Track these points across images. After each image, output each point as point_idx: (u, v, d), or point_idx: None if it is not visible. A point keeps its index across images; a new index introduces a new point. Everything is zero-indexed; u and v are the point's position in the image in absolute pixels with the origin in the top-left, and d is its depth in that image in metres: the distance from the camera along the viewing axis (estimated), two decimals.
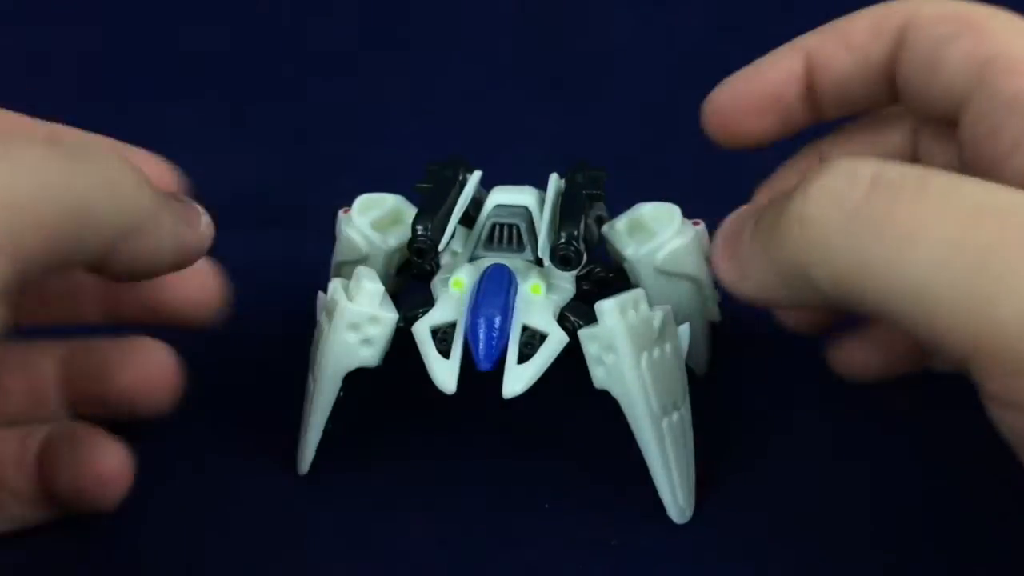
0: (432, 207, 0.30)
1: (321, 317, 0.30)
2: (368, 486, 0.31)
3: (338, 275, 0.33)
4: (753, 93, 0.30)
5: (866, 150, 0.30)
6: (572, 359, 0.29)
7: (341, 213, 0.34)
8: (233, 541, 0.29)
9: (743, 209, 0.26)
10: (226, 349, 0.37)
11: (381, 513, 0.30)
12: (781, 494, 0.31)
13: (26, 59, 0.51)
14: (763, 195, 0.32)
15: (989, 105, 0.26)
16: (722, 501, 0.31)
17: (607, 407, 0.34)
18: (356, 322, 0.29)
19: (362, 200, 0.33)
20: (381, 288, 0.29)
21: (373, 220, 0.33)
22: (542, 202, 0.31)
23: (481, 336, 0.28)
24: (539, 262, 0.31)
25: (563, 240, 0.29)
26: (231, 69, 0.52)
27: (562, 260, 0.29)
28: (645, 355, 0.28)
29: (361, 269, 0.30)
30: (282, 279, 0.34)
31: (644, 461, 0.29)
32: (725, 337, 0.35)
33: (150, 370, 0.30)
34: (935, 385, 0.32)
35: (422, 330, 0.29)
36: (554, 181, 0.32)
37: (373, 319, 0.29)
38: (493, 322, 0.28)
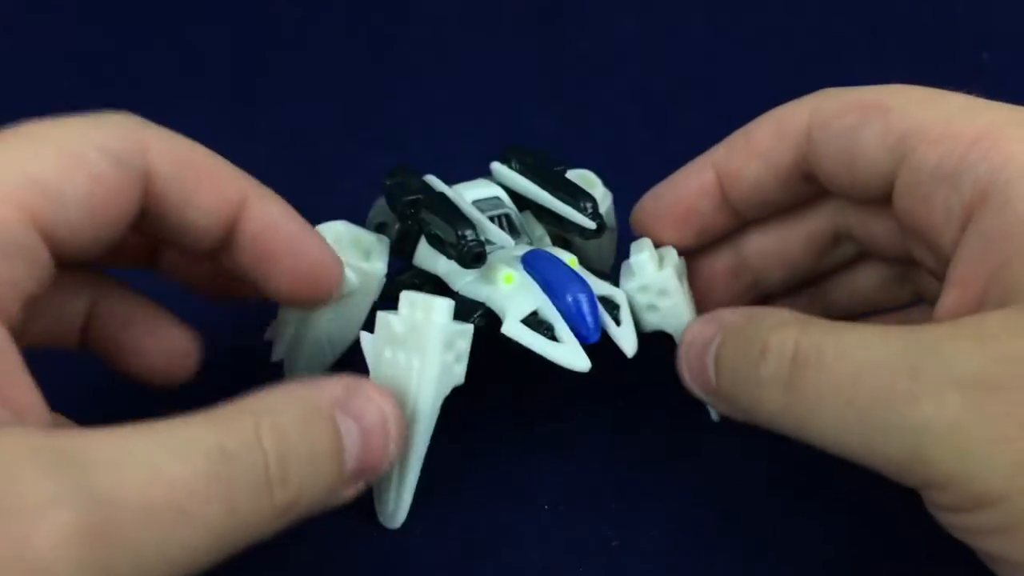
0: (456, 212, 0.30)
1: (388, 353, 0.28)
2: (368, 486, 0.31)
3: (305, 321, 0.31)
4: (671, 207, 0.32)
5: (790, 232, 0.32)
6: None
7: None
8: None
9: (698, 331, 0.28)
10: (226, 350, 0.37)
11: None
12: (782, 495, 0.31)
13: (26, 59, 0.51)
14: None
15: (915, 178, 0.27)
16: (721, 500, 0.31)
17: (607, 407, 0.35)
18: (450, 340, 0.28)
19: (328, 234, 0.31)
20: (451, 300, 0.28)
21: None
22: (504, 192, 0.32)
23: (586, 311, 0.29)
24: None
25: (591, 210, 0.31)
26: (231, 69, 0.52)
27: (599, 227, 0.31)
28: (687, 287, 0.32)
29: (409, 293, 0.28)
30: None
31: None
32: None
33: (170, 344, 0.30)
34: None
35: (519, 327, 0.29)
36: (503, 169, 0.33)
37: (463, 332, 0.28)
38: (589, 297, 0.29)
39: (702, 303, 0.32)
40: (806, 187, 0.31)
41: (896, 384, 0.23)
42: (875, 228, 0.31)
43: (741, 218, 0.32)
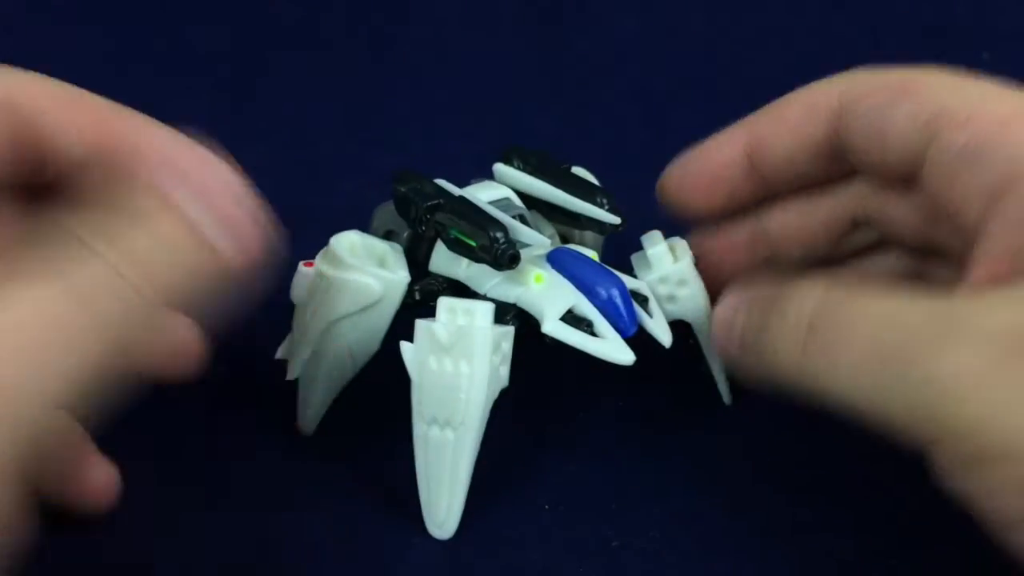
0: (485, 215, 0.30)
1: (434, 362, 0.28)
2: (368, 486, 0.31)
3: (327, 333, 0.31)
4: (700, 174, 0.33)
5: (813, 210, 0.33)
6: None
7: (303, 267, 0.32)
8: (233, 540, 0.29)
9: (730, 301, 0.29)
10: (226, 350, 0.37)
11: (381, 513, 0.30)
12: (782, 495, 0.31)
13: (26, 59, 0.51)
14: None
15: (941, 159, 0.28)
16: (722, 501, 0.31)
17: (608, 407, 0.35)
18: (496, 342, 0.28)
19: (343, 244, 0.31)
20: (491, 303, 0.28)
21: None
22: (512, 192, 0.33)
23: (621, 306, 0.29)
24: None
25: (608, 205, 0.31)
26: (231, 69, 0.52)
27: (623, 221, 0.31)
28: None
29: (447, 299, 0.28)
30: (282, 280, 0.33)
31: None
32: None
33: (176, 339, 0.29)
34: None
35: (560, 325, 0.29)
36: (509, 170, 0.33)
37: (506, 334, 0.28)
38: (622, 291, 0.29)
39: (715, 274, 0.33)
40: (833, 165, 0.31)
41: (921, 335, 0.23)
42: (896, 213, 0.31)
43: (767, 189, 0.33)
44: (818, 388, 0.26)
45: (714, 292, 0.31)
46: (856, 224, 0.33)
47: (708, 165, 0.32)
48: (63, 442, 0.24)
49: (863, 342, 0.24)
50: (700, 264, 0.33)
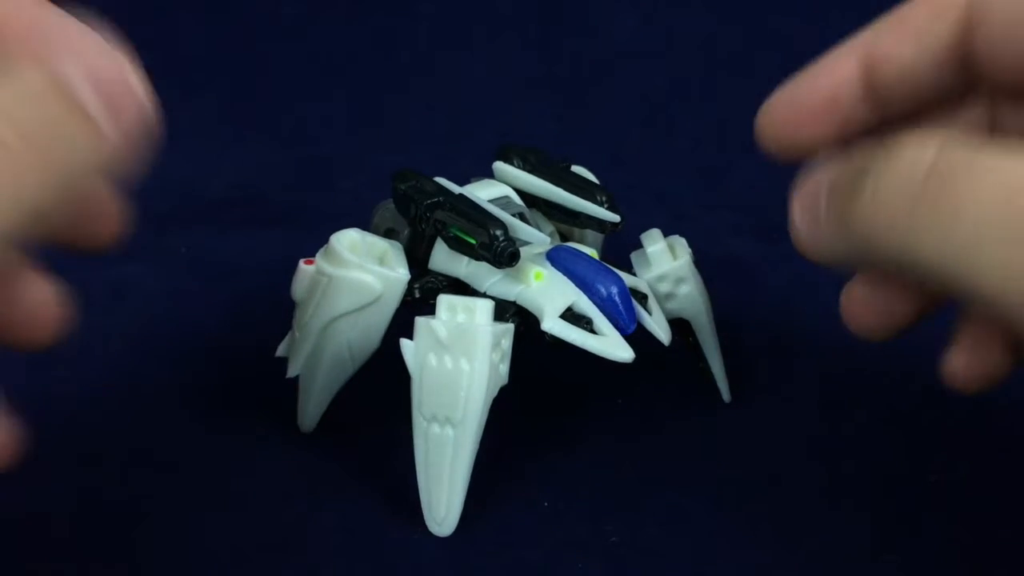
0: (485, 213, 0.30)
1: (434, 359, 0.28)
2: (368, 485, 0.31)
3: (327, 331, 0.31)
4: (810, 99, 0.29)
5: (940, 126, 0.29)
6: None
7: (304, 265, 0.32)
8: (233, 540, 0.29)
9: (818, 174, 0.26)
10: (226, 349, 0.37)
11: (381, 510, 0.30)
12: (781, 493, 0.31)
13: None
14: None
15: None
16: (721, 501, 0.31)
17: (607, 405, 0.35)
18: (496, 339, 0.28)
19: (344, 242, 0.31)
20: (490, 301, 0.28)
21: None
22: (512, 190, 0.33)
23: (620, 303, 0.29)
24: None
25: (607, 203, 0.31)
26: (233, 69, 0.52)
27: (622, 219, 0.31)
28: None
29: (447, 297, 0.28)
30: (282, 279, 0.34)
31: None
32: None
33: (33, 307, 0.26)
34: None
35: (559, 323, 0.29)
36: (509, 168, 0.33)
37: (506, 331, 0.28)
38: (622, 289, 0.29)
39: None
40: (962, 75, 0.28)
41: None
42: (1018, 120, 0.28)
43: (885, 112, 0.29)
44: (922, 257, 0.22)
45: None
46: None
47: (818, 87, 0.29)
48: None
49: (999, 203, 0.21)
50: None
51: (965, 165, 0.21)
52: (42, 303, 0.27)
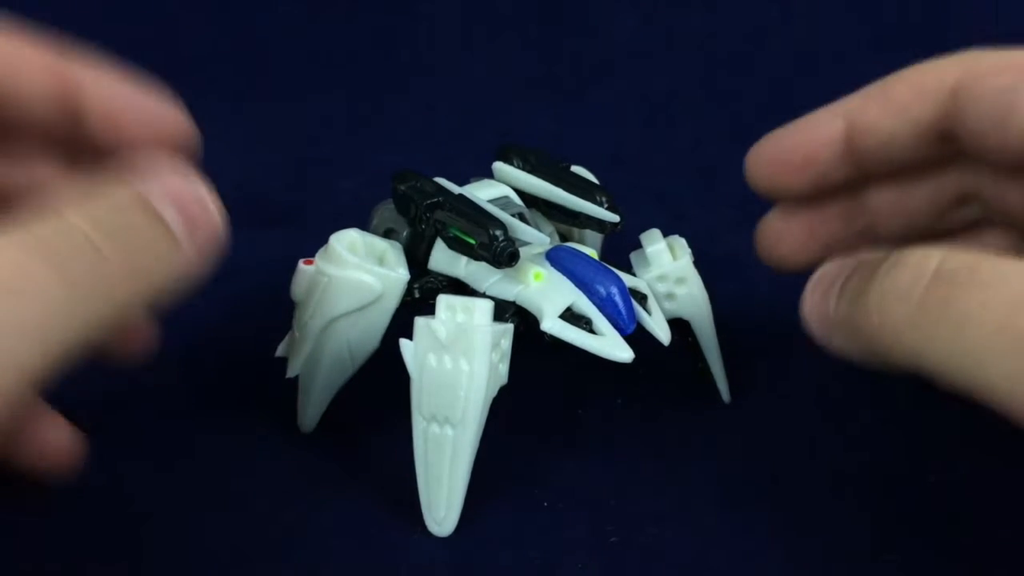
0: (485, 214, 0.30)
1: (433, 359, 0.28)
2: (368, 485, 0.31)
3: (327, 331, 0.31)
4: (792, 154, 0.31)
5: (914, 188, 0.31)
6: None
7: (303, 265, 0.32)
8: (233, 540, 0.29)
9: (831, 267, 0.27)
10: (226, 349, 0.37)
11: (381, 512, 0.30)
12: (781, 493, 0.31)
13: None
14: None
15: None
16: (720, 497, 0.31)
17: (607, 404, 0.35)
18: (496, 340, 0.28)
19: (343, 242, 0.31)
20: (490, 301, 0.28)
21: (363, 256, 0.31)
22: (511, 191, 0.33)
23: (620, 303, 0.29)
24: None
25: (607, 203, 0.31)
26: (233, 69, 0.52)
27: (621, 219, 0.31)
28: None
29: (446, 297, 0.28)
30: (282, 279, 0.34)
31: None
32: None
33: (46, 447, 0.29)
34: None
35: (559, 323, 0.29)
36: (509, 168, 0.33)
37: (505, 331, 0.28)
38: (621, 289, 0.29)
39: (809, 244, 0.32)
40: (940, 147, 0.30)
41: None
42: (1010, 194, 0.30)
43: (863, 173, 0.31)
44: (930, 361, 0.23)
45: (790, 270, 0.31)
46: (965, 199, 0.31)
47: (802, 144, 0.31)
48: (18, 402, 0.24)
49: (1001, 308, 0.21)
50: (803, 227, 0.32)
51: (969, 274, 0.22)
52: (56, 445, 0.28)
